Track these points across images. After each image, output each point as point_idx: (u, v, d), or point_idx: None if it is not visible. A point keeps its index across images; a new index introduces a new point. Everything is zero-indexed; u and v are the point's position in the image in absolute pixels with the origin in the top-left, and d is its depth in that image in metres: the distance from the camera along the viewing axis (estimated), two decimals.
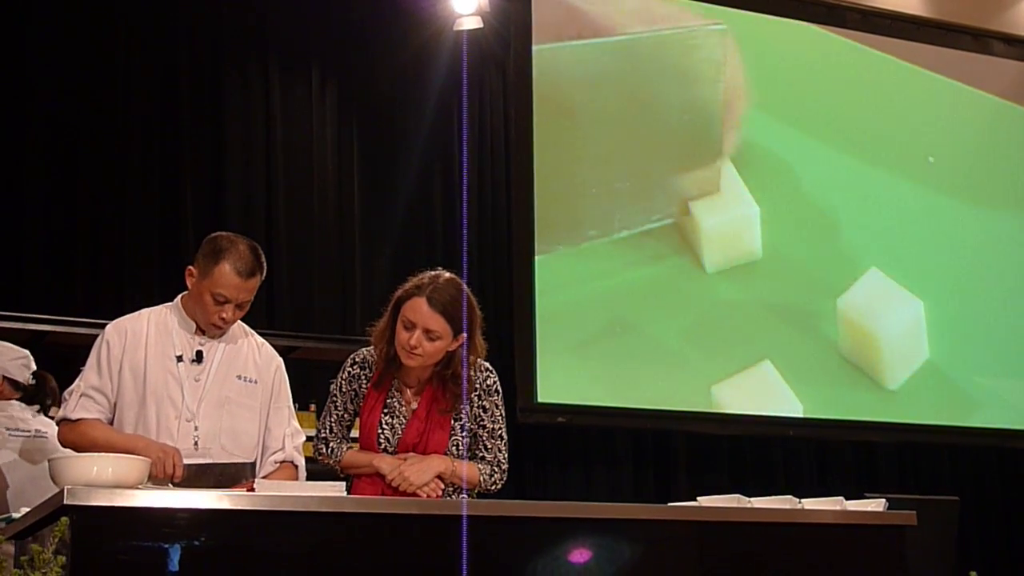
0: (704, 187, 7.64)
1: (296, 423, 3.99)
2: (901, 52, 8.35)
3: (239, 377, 3.84)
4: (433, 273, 3.78)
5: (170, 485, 3.50)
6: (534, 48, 7.07)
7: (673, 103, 7.58)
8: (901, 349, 8.12)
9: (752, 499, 3.58)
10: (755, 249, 7.80)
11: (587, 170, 7.19)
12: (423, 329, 3.68)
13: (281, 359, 4.01)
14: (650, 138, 7.48)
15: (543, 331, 6.86)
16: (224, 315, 3.74)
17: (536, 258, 6.90)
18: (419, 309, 3.68)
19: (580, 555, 3.19)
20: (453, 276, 3.79)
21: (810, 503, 3.66)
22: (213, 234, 3.86)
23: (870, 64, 8.26)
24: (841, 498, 3.71)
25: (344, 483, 3.27)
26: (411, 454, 3.73)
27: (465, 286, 3.79)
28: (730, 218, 7.80)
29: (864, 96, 8.25)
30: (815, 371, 7.76)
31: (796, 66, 8.08)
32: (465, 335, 3.74)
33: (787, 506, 3.59)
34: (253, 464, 3.68)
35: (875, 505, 3.75)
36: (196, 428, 3.73)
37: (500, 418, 3.86)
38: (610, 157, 7.29)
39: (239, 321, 3.91)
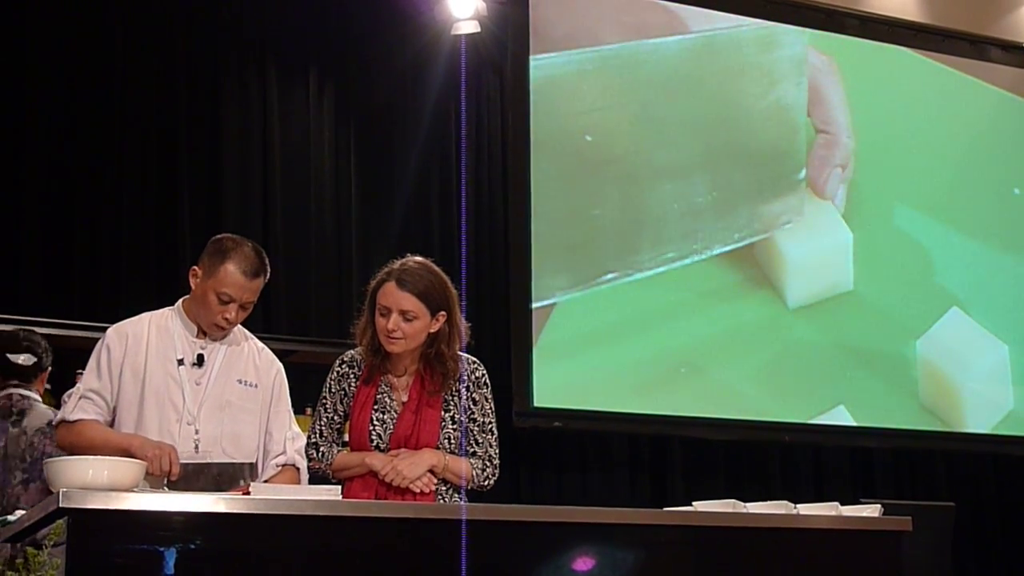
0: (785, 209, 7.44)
1: (296, 427, 4.00)
2: (989, 75, 8.20)
3: (240, 381, 3.85)
4: (402, 259, 3.83)
5: (165, 484, 3.51)
6: (532, 60, 7.02)
7: (704, 107, 7.44)
8: (984, 398, 7.80)
9: (748, 504, 3.58)
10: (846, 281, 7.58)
11: (591, 178, 7.19)
12: (398, 311, 3.73)
13: (281, 364, 4.02)
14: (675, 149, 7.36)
15: (541, 336, 6.87)
16: (228, 315, 3.75)
17: (533, 258, 6.89)
18: (391, 292, 3.74)
19: (577, 560, 3.19)
20: (422, 259, 3.84)
21: (806, 508, 3.66)
22: (218, 235, 3.88)
23: (954, 87, 8.08)
24: (837, 504, 3.71)
25: (339, 487, 3.28)
26: (403, 450, 3.74)
27: (436, 266, 3.84)
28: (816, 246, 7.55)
29: (948, 121, 8.06)
30: (893, 420, 7.56)
31: (882, 90, 7.93)
32: (444, 313, 3.77)
33: (783, 511, 3.59)
34: (252, 465, 3.69)
35: (871, 511, 3.75)
36: (197, 432, 3.74)
37: (490, 412, 3.87)
38: (627, 161, 7.25)
39: (240, 326, 3.92)
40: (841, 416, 7.47)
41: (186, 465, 3.57)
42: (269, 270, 3.86)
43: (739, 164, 7.41)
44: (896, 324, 7.66)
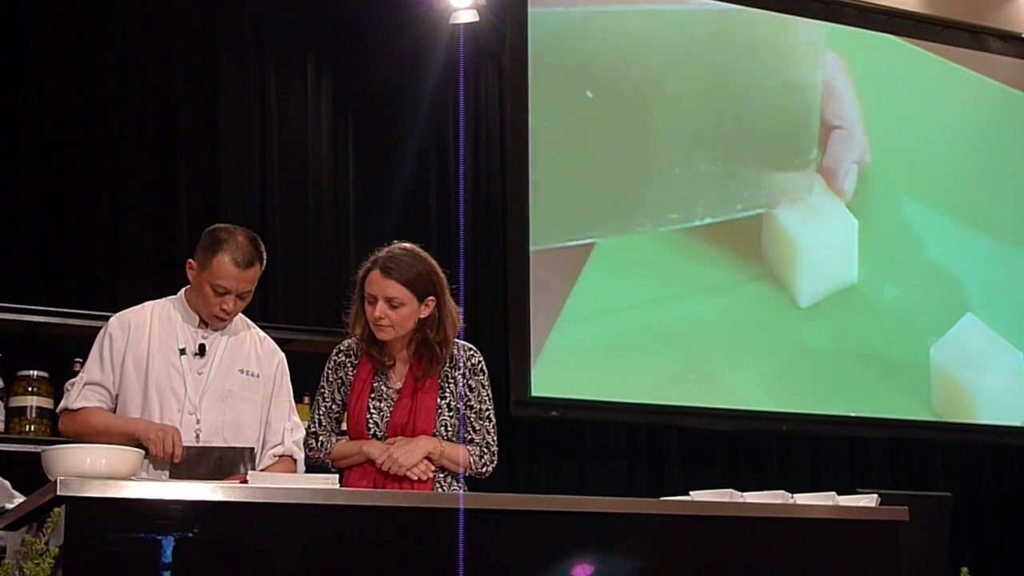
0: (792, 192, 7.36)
1: (296, 418, 4.01)
2: (988, 67, 8.14)
3: (241, 371, 3.86)
4: (388, 246, 3.83)
5: (166, 471, 3.52)
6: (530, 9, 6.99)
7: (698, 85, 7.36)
8: (999, 409, 7.76)
9: (745, 494, 3.59)
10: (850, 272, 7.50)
11: (593, 161, 7.17)
12: (384, 299, 3.74)
13: (283, 354, 4.03)
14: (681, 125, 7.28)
15: (539, 326, 6.86)
16: (225, 306, 3.76)
17: (532, 249, 6.88)
18: (375, 281, 3.76)
19: (574, 550, 3.19)
20: (408, 245, 3.84)
21: (802, 498, 3.67)
22: (212, 226, 3.87)
23: (971, 88, 8.04)
24: (833, 493, 3.72)
25: (337, 476, 3.28)
26: (399, 438, 3.75)
27: (423, 252, 3.83)
28: (824, 235, 7.44)
29: (965, 123, 8.00)
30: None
31: (885, 85, 7.88)
32: (433, 299, 3.77)
33: (780, 501, 3.60)
34: (252, 449, 3.70)
35: (868, 500, 3.75)
36: (198, 421, 3.75)
37: (487, 399, 3.87)
38: (634, 144, 7.20)
39: (242, 315, 3.93)
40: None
41: (188, 448, 3.59)
42: (265, 257, 3.85)
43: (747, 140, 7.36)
44: (909, 330, 7.61)
